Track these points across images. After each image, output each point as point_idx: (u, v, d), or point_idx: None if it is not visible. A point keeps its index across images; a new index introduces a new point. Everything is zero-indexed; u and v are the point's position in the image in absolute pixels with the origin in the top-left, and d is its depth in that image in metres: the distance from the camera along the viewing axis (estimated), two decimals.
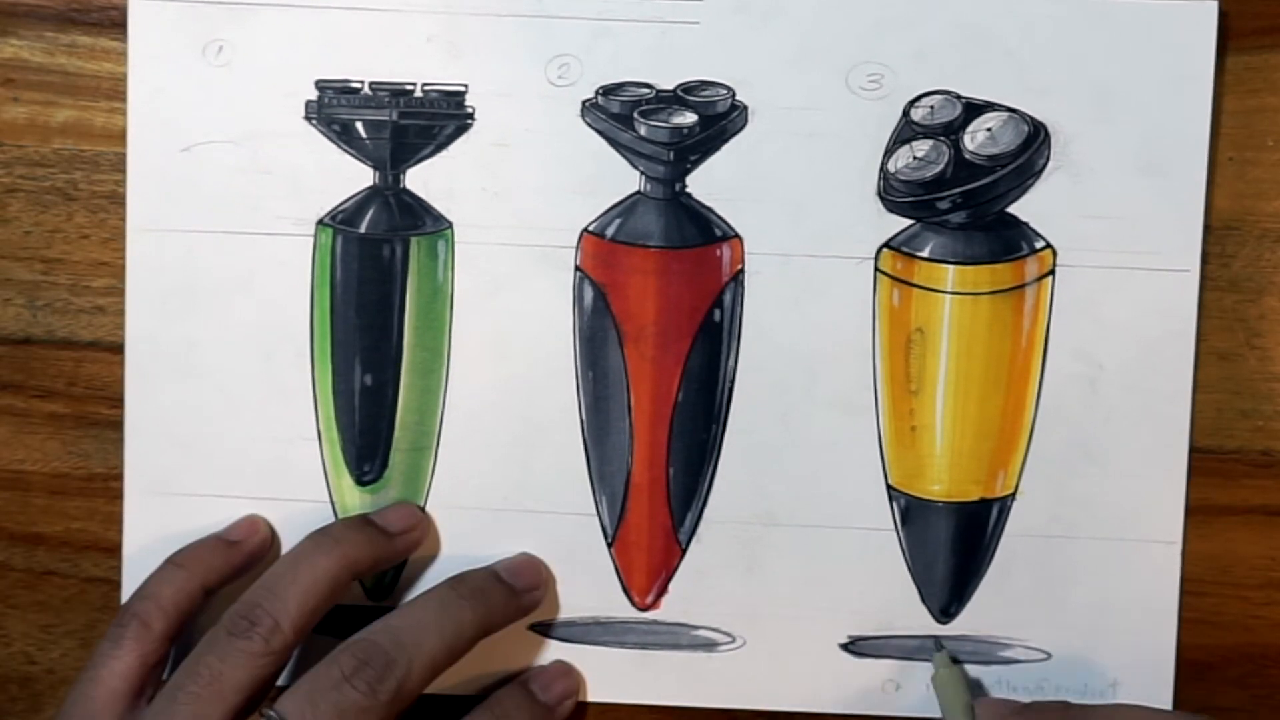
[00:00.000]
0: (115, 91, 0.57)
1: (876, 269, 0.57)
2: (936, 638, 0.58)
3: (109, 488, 0.58)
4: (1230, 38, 0.56)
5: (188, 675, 0.51)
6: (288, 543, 0.58)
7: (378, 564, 0.56)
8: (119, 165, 0.57)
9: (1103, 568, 0.58)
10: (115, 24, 0.57)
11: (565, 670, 0.58)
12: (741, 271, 0.57)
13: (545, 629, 0.59)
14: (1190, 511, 0.58)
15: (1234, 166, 0.57)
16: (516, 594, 0.56)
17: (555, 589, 0.58)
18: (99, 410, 0.59)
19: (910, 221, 0.57)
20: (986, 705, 0.56)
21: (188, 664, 0.52)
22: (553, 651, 0.59)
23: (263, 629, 0.52)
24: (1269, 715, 0.59)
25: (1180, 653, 0.58)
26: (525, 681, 0.57)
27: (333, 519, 0.58)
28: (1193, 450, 0.58)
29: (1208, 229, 0.57)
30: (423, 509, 0.58)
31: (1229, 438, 0.58)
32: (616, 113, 0.57)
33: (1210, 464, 0.58)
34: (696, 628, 0.59)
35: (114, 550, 0.58)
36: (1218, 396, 0.58)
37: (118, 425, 0.58)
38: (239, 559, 0.56)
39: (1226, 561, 0.58)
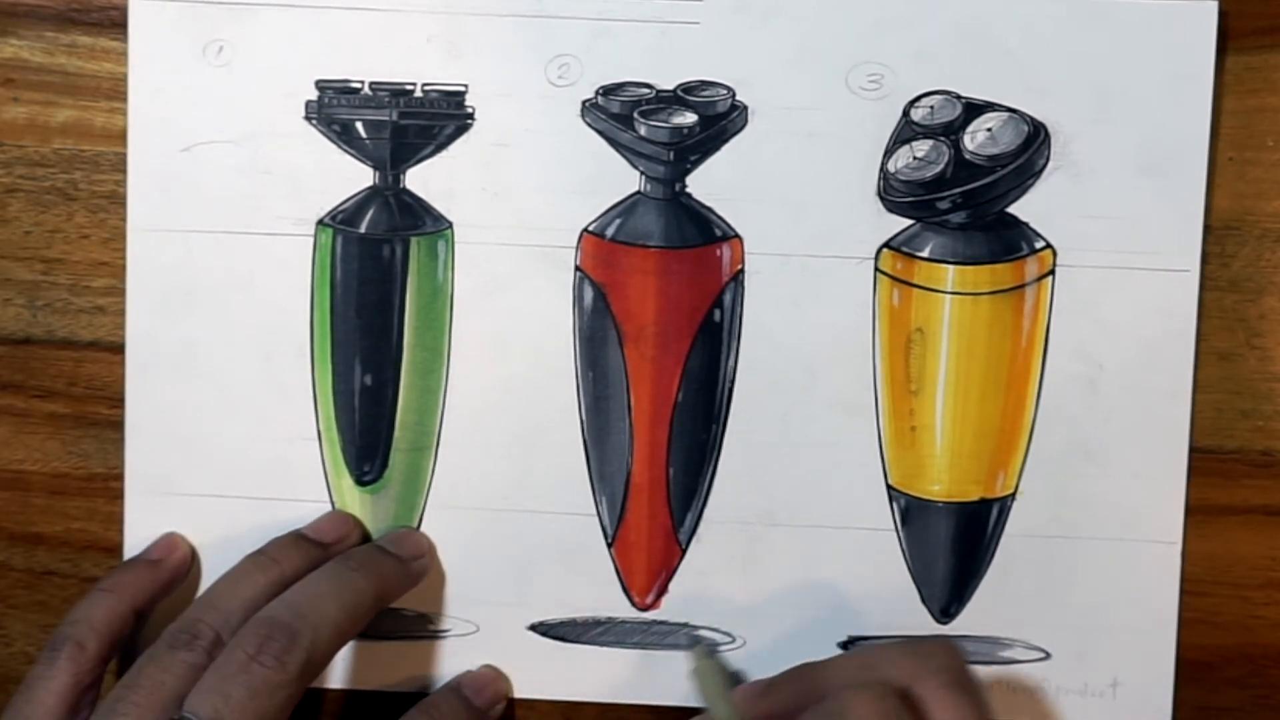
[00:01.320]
0: (115, 91, 0.57)
1: (876, 269, 0.57)
2: (695, 635, 0.58)
3: (109, 488, 0.58)
4: (1230, 38, 0.56)
5: (128, 686, 0.51)
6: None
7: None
8: (119, 165, 0.57)
9: (1103, 568, 0.58)
10: (115, 24, 0.57)
11: (495, 675, 0.58)
12: (741, 271, 0.57)
13: (545, 629, 0.59)
14: (1190, 511, 0.58)
15: (1234, 166, 0.57)
16: (404, 562, 0.57)
17: (551, 588, 0.58)
18: (99, 410, 0.59)
19: (910, 221, 0.57)
20: (738, 692, 0.56)
21: (128, 677, 0.52)
22: (553, 651, 0.59)
23: (204, 641, 0.52)
24: (1269, 715, 0.59)
25: (1180, 653, 0.58)
26: (457, 687, 0.58)
27: None
28: (1193, 450, 0.58)
29: (1208, 229, 0.57)
30: (356, 518, 0.58)
31: (1229, 438, 0.58)
32: (616, 113, 0.57)
33: (1210, 464, 0.58)
34: (697, 628, 0.59)
35: (114, 550, 0.58)
36: (1218, 396, 0.58)
37: (118, 425, 0.58)
38: (164, 576, 0.57)
39: (1226, 561, 0.58)
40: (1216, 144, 0.57)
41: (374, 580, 0.55)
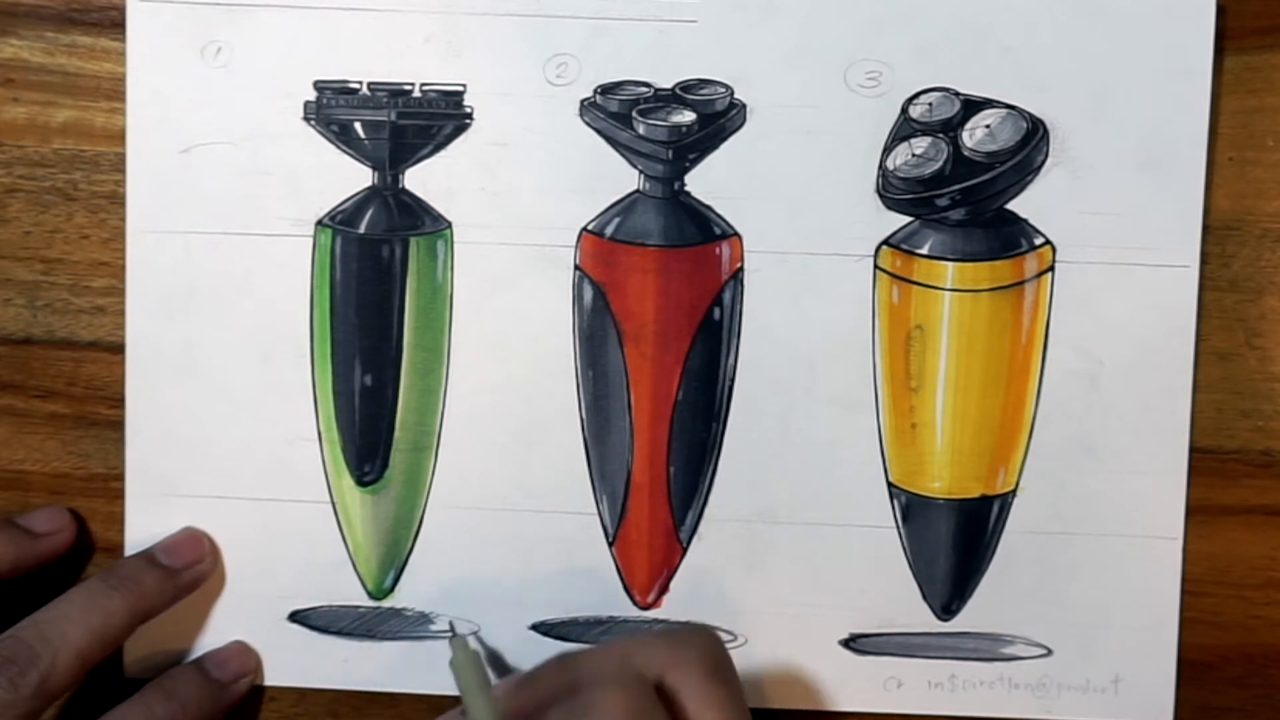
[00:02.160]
0: (115, 92, 0.57)
1: (876, 266, 0.57)
2: (452, 626, 0.58)
3: (109, 488, 0.58)
4: (1230, 37, 0.56)
5: None
6: (291, 545, 0.58)
7: (19, 566, 0.56)
8: (119, 165, 0.57)
9: (1104, 564, 0.58)
10: (115, 24, 0.57)
11: (242, 650, 0.58)
12: (741, 269, 0.57)
13: (547, 629, 0.59)
14: (1190, 511, 0.58)
15: (1234, 166, 0.57)
16: (174, 573, 0.57)
17: (552, 588, 0.58)
18: (99, 410, 0.59)
19: (909, 219, 0.57)
20: (499, 686, 0.55)
21: None
22: (554, 651, 0.58)
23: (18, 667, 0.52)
24: (1269, 715, 0.59)
25: (1180, 653, 0.58)
26: (199, 661, 0.58)
27: (334, 519, 0.58)
28: (1193, 450, 0.57)
29: (1208, 228, 0.57)
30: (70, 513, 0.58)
31: (1229, 438, 0.58)
32: (615, 112, 0.57)
33: (1210, 464, 0.58)
34: (696, 624, 0.59)
35: (114, 550, 0.58)
36: (1218, 396, 0.58)
37: (118, 425, 0.58)
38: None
39: (1226, 561, 0.58)
40: (1216, 144, 0.57)
41: (131, 600, 0.55)
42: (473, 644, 0.57)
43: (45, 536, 0.57)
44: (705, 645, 0.51)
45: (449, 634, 0.58)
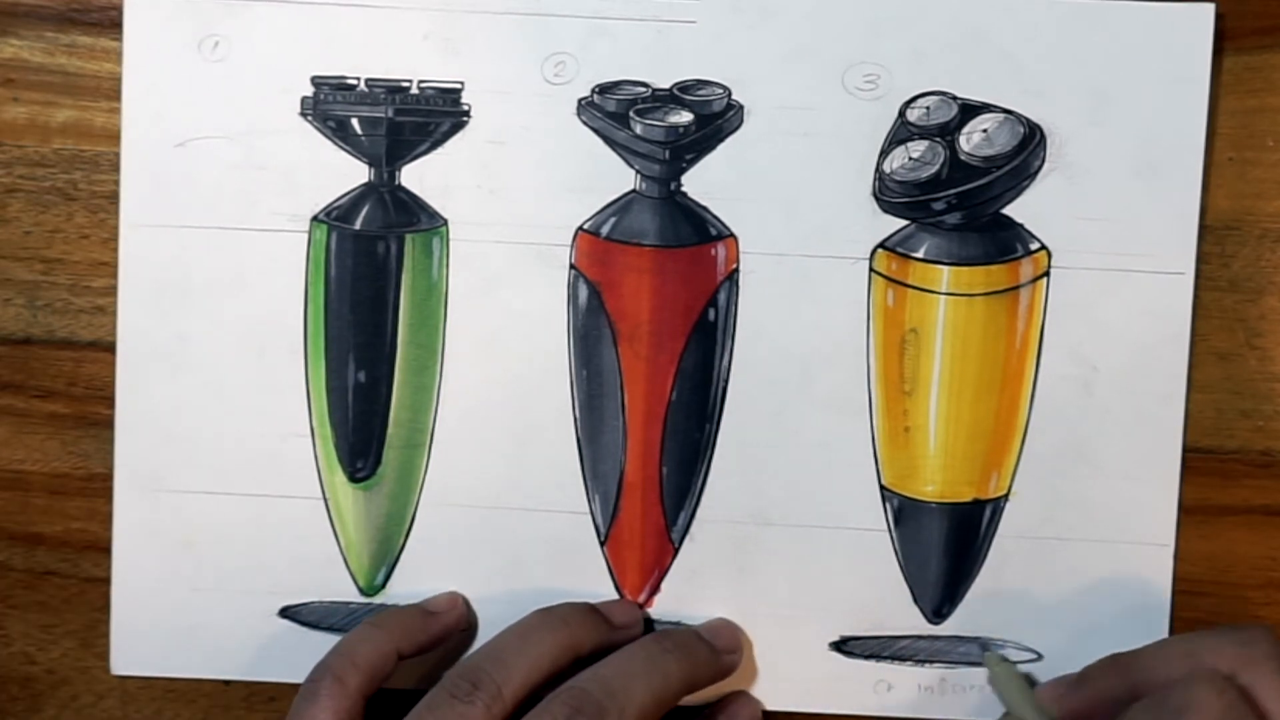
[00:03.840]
0: (115, 92, 0.57)
1: (871, 269, 0.57)
2: (981, 641, 0.58)
3: (109, 488, 0.58)
4: (1230, 38, 0.56)
5: None
6: (282, 541, 0.58)
7: (598, 649, 0.55)
8: (119, 165, 0.57)
9: (1095, 569, 0.58)
10: (115, 24, 0.57)
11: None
12: (736, 271, 0.57)
13: None
14: (1190, 511, 0.58)
15: (1234, 166, 0.57)
16: (718, 653, 0.56)
17: (544, 586, 0.58)
18: (99, 410, 0.59)
19: (905, 222, 0.57)
20: (1044, 690, 0.56)
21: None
22: None
23: (485, 694, 0.51)
24: None
25: None
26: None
27: (326, 515, 0.58)
28: (1193, 450, 0.58)
29: (1206, 229, 0.57)
30: (644, 611, 0.58)
31: (1229, 438, 0.58)
32: (612, 111, 0.57)
33: (1210, 464, 0.58)
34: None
35: (109, 550, 0.58)
36: (1218, 396, 0.58)
37: None
38: (437, 630, 0.56)
39: (1226, 562, 0.58)
40: (1217, 144, 0.57)
41: (686, 666, 0.54)
42: (1013, 656, 0.58)
43: (619, 630, 0.56)
44: (1272, 643, 0.50)
45: (984, 651, 0.58)
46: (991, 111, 0.56)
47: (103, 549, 0.59)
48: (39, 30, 0.58)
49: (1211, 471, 0.58)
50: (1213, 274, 0.57)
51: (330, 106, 0.57)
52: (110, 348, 0.58)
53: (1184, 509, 0.58)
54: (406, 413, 0.58)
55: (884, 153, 0.57)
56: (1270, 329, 0.58)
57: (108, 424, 0.58)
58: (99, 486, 0.59)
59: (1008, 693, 0.56)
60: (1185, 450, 0.57)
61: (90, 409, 0.59)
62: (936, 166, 0.56)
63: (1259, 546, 0.58)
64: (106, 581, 0.59)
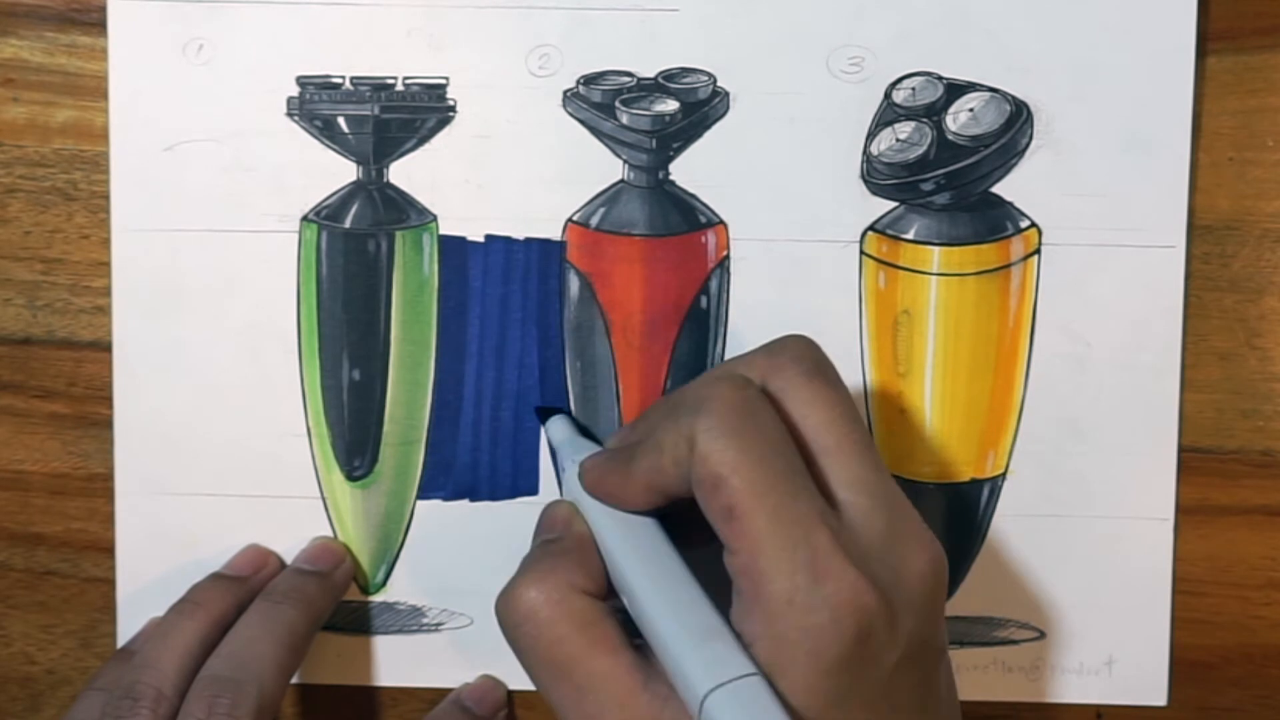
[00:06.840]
0: None
1: (862, 252, 0.57)
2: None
3: (109, 488, 0.58)
4: (1230, 38, 0.56)
5: None
6: (283, 542, 0.58)
7: (242, 608, 0.55)
8: None
9: (1095, 546, 0.58)
10: None
11: (494, 684, 0.58)
12: (727, 258, 0.57)
13: None
14: (1190, 511, 0.58)
15: (1234, 166, 0.57)
16: (326, 576, 0.57)
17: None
18: (99, 410, 0.59)
19: (894, 204, 0.57)
20: (611, 436, 0.55)
21: None
22: None
23: (146, 702, 0.51)
24: (1269, 715, 0.59)
25: (1179, 653, 0.58)
26: (458, 699, 0.58)
27: (325, 515, 0.58)
28: (1193, 450, 0.57)
29: (1206, 229, 0.57)
30: (268, 549, 0.58)
31: (1229, 438, 0.58)
32: (598, 102, 0.57)
33: (1210, 464, 0.58)
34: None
35: (114, 550, 0.58)
36: (1218, 396, 0.58)
37: None
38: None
39: (1226, 561, 0.58)
40: (1217, 144, 0.57)
41: (302, 607, 0.55)
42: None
43: (253, 577, 0.57)
44: (802, 347, 0.49)
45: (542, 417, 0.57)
46: (977, 90, 0.56)
47: (103, 549, 0.59)
48: (39, 30, 0.58)
49: (1211, 471, 0.58)
50: (1213, 274, 0.57)
51: (316, 106, 0.57)
52: (110, 348, 0.58)
53: (1184, 509, 0.58)
54: (401, 410, 0.58)
55: (871, 135, 0.57)
56: (1270, 329, 0.57)
57: (108, 424, 0.58)
58: (99, 486, 0.59)
59: (556, 436, 0.56)
60: (1185, 450, 0.57)
61: (90, 409, 0.59)
62: (924, 147, 0.56)
63: (1259, 546, 0.58)
64: (107, 581, 0.59)
